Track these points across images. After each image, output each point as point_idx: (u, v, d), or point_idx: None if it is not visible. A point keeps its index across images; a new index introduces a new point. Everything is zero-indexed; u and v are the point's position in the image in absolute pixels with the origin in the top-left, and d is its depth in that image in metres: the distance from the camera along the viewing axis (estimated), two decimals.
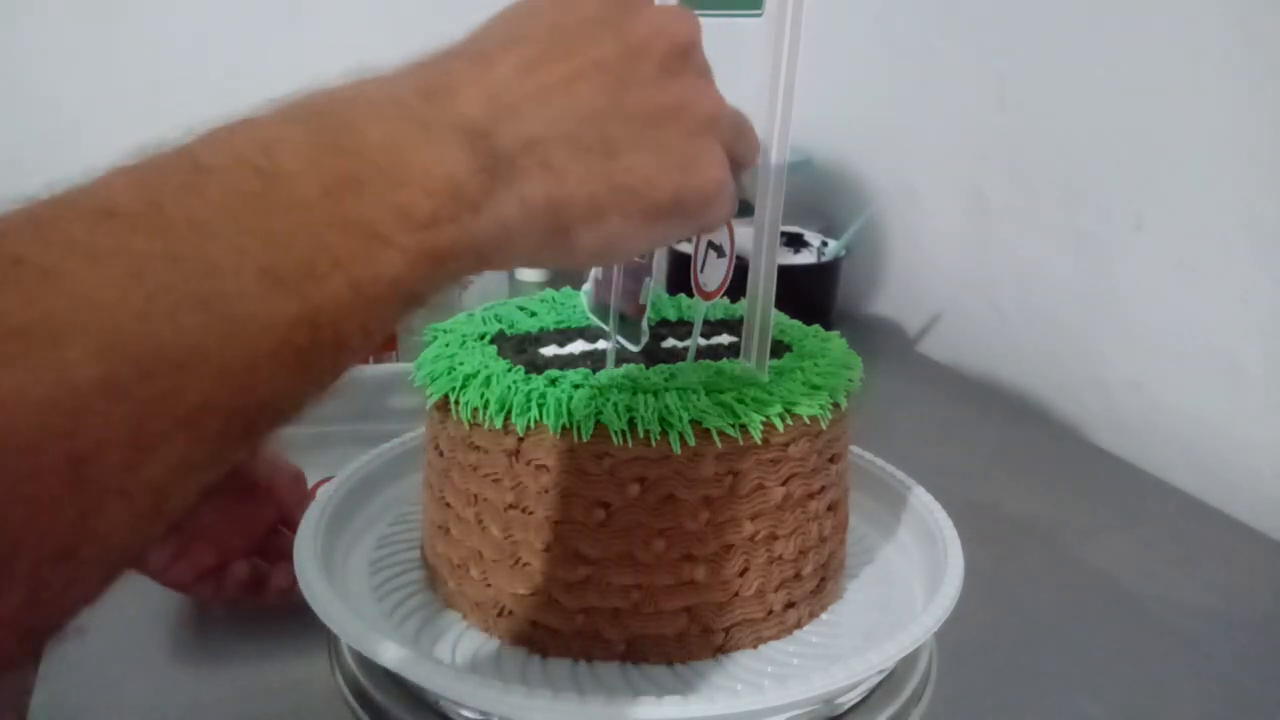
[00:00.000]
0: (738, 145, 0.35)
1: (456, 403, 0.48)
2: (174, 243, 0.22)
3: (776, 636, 0.51)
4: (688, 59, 0.33)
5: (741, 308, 0.50)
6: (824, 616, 0.54)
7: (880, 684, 0.50)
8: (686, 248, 0.99)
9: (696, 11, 0.54)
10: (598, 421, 0.45)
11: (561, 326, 0.56)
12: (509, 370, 0.48)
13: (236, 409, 0.23)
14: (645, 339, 0.49)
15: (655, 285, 0.49)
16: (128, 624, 0.56)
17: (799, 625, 0.52)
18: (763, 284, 0.48)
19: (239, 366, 0.22)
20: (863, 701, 0.49)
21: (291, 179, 0.24)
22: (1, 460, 0.19)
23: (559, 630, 0.48)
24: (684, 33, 0.33)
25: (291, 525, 0.54)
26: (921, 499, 0.59)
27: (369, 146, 0.26)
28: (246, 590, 0.53)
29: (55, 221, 0.22)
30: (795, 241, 1.12)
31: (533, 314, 0.57)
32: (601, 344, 0.53)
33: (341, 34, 1.24)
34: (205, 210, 0.23)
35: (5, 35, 1.12)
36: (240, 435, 0.23)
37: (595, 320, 0.54)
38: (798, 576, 0.51)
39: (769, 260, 0.48)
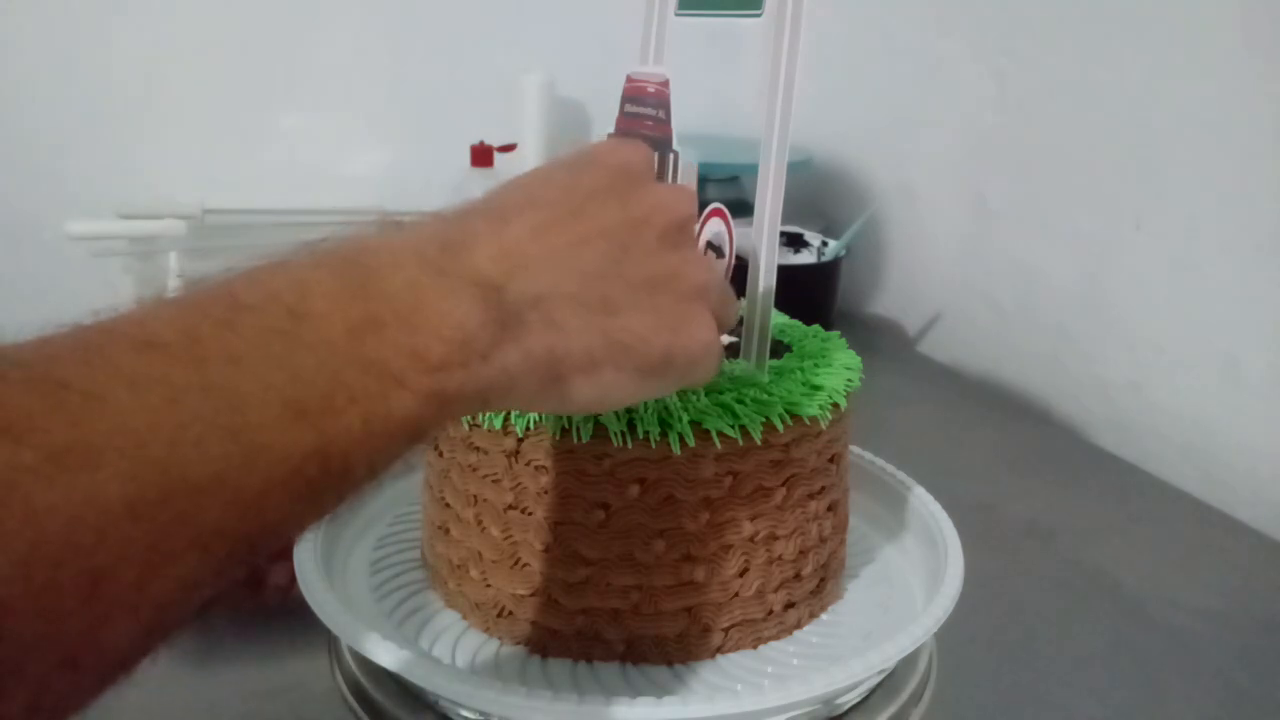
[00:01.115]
0: (723, 312, 0.39)
1: None
2: (208, 375, 0.24)
3: (776, 637, 0.51)
4: (683, 233, 0.37)
5: (741, 308, 0.50)
6: (824, 617, 0.54)
7: (880, 684, 0.50)
8: None
9: (697, 12, 0.54)
10: (597, 422, 0.45)
11: None
12: None
13: (245, 533, 0.24)
14: None
15: None
16: None
17: (799, 625, 0.52)
18: (763, 284, 0.48)
19: (253, 493, 0.24)
20: (863, 702, 0.49)
21: (319, 319, 0.26)
22: (28, 571, 0.20)
23: (559, 631, 0.48)
24: (682, 209, 0.37)
25: None
26: (921, 499, 0.59)
27: (390, 293, 0.28)
28: (244, 589, 0.53)
29: (101, 349, 0.23)
30: (795, 241, 1.12)
31: None
32: None
33: (340, 36, 1.24)
34: (240, 345, 0.25)
35: (5, 36, 1.12)
36: (243, 556, 0.24)
37: None
38: (798, 577, 0.51)
39: (769, 260, 0.48)
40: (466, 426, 0.48)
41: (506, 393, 0.31)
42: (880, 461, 0.63)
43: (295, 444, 0.24)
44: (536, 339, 0.31)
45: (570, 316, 0.33)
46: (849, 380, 0.51)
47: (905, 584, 0.57)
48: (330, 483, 0.26)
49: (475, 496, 0.49)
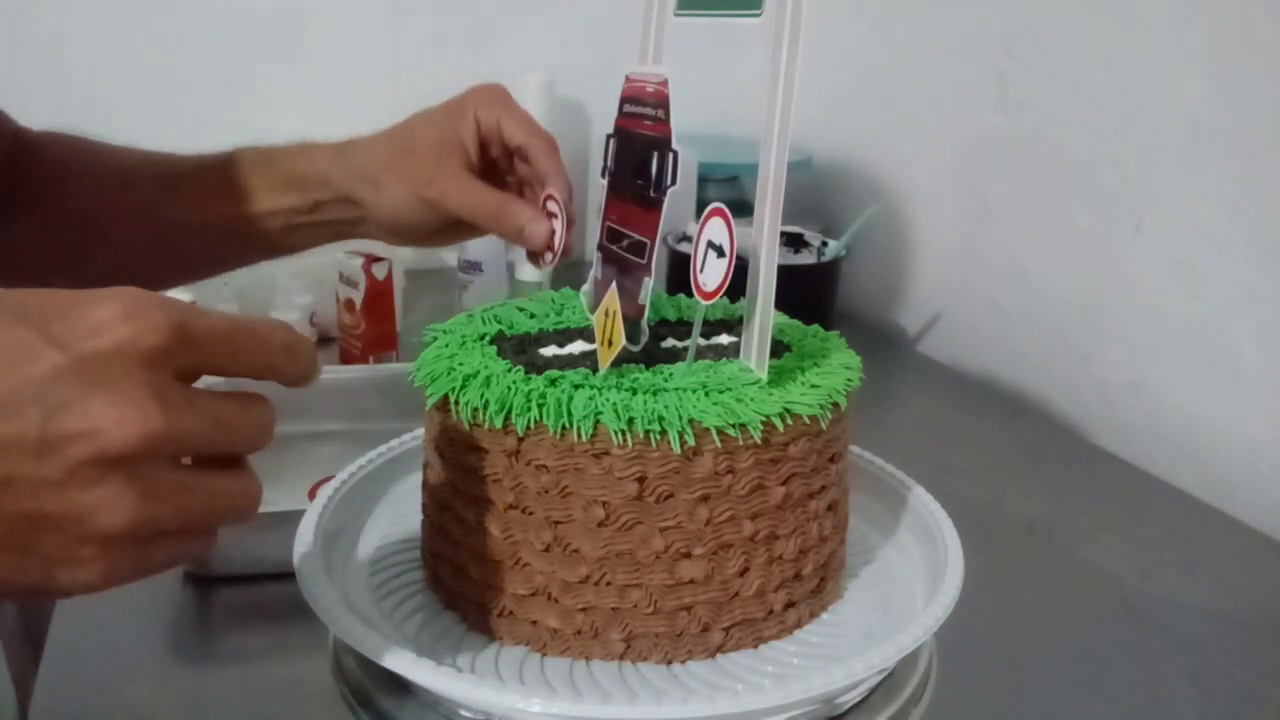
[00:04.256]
0: (150, 551, 0.32)
1: (456, 403, 0.48)
2: None
3: (776, 636, 0.51)
4: (115, 466, 0.30)
5: (741, 308, 0.50)
6: (824, 616, 0.54)
7: (880, 684, 0.50)
8: (686, 248, 0.99)
9: (696, 12, 0.54)
10: (597, 421, 0.45)
11: (561, 327, 0.56)
12: (509, 370, 0.48)
13: None
14: (645, 339, 0.49)
15: (655, 285, 0.49)
16: (128, 624, 0.56)
17: (799, 625, 0.52)
18: (763, 284, 0.48)
19: None
20: (863, 701, 0.49)
21: None
22: None
23: (558, 630, 0.48)
24: (123, 440, 0.29)
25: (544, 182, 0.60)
26: (921, 499, 0.59)
27: None
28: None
29: None
30: (795, 241, 1.12)
31: (532, 315, 0.57)
32: None
33: (339, 37, 1.25)
34: None
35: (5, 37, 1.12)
36: None
37: (594, 320, 0.54)
38: (798, 576, 0.51)
39: (769, 260, 0.48)
40: (467, 426, 0.48)
41: None
42: (880, 461, 0.63)
43: None
44: None
45: None
46: (849, 380, 0.51)
47: (905, 584, 0.57)
48: None
49: (475, 496, 0.49)
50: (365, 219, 0.63)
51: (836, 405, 0.49)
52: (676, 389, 0.46)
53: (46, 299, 0.31)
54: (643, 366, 0.49)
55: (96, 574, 0.31)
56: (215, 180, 0.64)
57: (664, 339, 0.55)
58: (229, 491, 0.33)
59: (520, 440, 0.46)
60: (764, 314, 0.48)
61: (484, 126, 0.61)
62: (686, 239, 1.06)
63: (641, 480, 0.45)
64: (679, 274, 1.01)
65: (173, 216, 0.64)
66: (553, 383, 0.47)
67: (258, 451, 0.34)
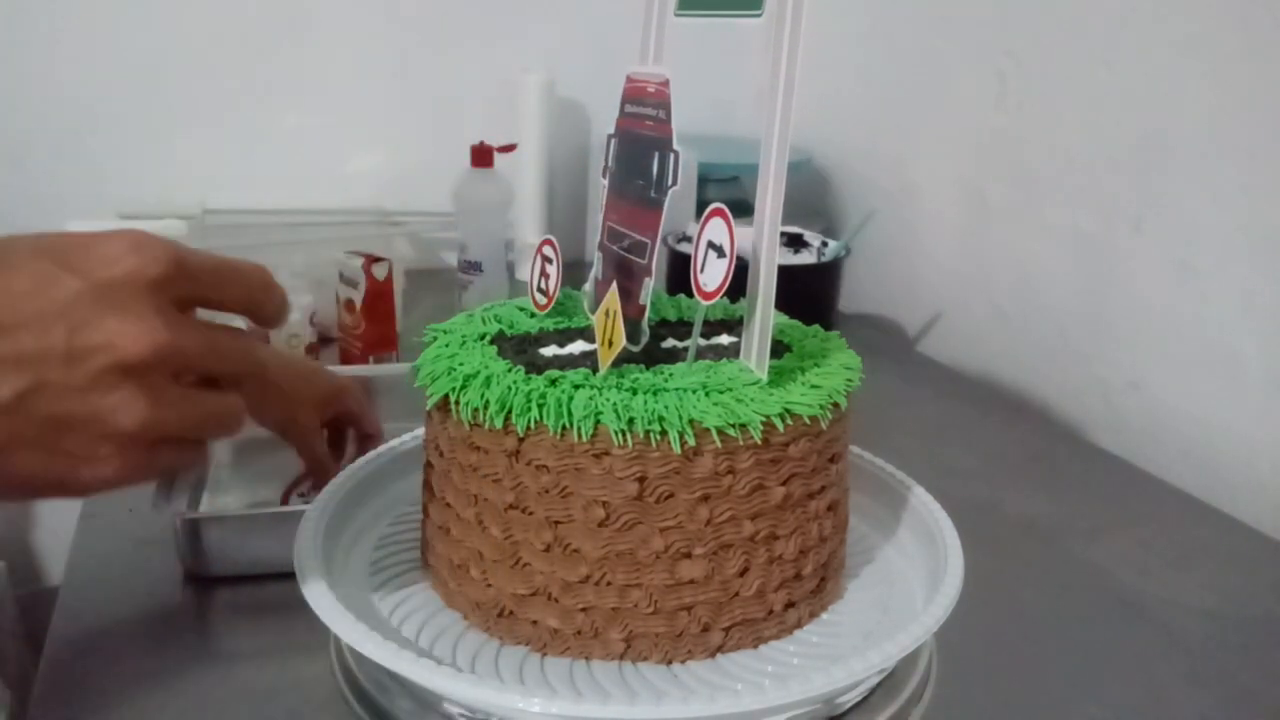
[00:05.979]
0: (157, 454, 0.38)
1: (456, 403, 0.48)
2: None
3: (776, 636, 0.51)
4: (130, 375, 0.35)
5: (741, 308, 0.50)
6: (824, 616, 0.54)
7: (880, 684, 0.50)
8: (686, 248, 0.99)
9: (697, 12, 0.54)
10: (597, 421, 0.45)
11: (561, 327, 0.56)
12: (509, 370, 0.48)
13: None
14: (645, 339, 0.49)
15: (655, 285, 0.49)
16: (128, 624, 0.56)
17: (799, 625, 0.52)
18: (763, 284, 0.48)
19: None
20: (863, 701, 0.49)
21: None
22: None
23: (558, 630, 0.48)
24: (136, 351, 0.35)
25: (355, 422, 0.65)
26: (921, 499, 0.59)
27: None
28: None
29: None
30: (795, 241, 1.12)
31: (532, 314, 0.57)
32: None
33: (341, 37, 1.25)
34: None
35: (15, 33, 1.12)
36: None
37: (595, 320, 0.54)
38: (798, 576, 0.51)
39: (769, 260, 0.48)
40: (467, 426, 0.48)
41: None
42: (880, 461, 0.63)
43: None
44: None
45: None
46: (849, 380, 0.51)
47: (905, 584, 0.57)
48: None
49: (476, 496, 0.49)
50: None
51: (836, 405, 0.49)
52: (676, 389, 0.46)
53: (61, 239, 0.36)
54: (643, 366, 0.49)
55: (113, 470, 0.36)
56: None
57: (664, 339, 0.55)
58: (219, 407, 0.40)
59: (520, 440, 0.46)
60: (764, 314, 0.48)
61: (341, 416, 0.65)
62: (687, 239, 1.06)
63: (642, 480, 0.45)
64: (679, 274, 1.01)
65: None
66: (553, 383, 0.47)
67: (244, 376, 0.41)
